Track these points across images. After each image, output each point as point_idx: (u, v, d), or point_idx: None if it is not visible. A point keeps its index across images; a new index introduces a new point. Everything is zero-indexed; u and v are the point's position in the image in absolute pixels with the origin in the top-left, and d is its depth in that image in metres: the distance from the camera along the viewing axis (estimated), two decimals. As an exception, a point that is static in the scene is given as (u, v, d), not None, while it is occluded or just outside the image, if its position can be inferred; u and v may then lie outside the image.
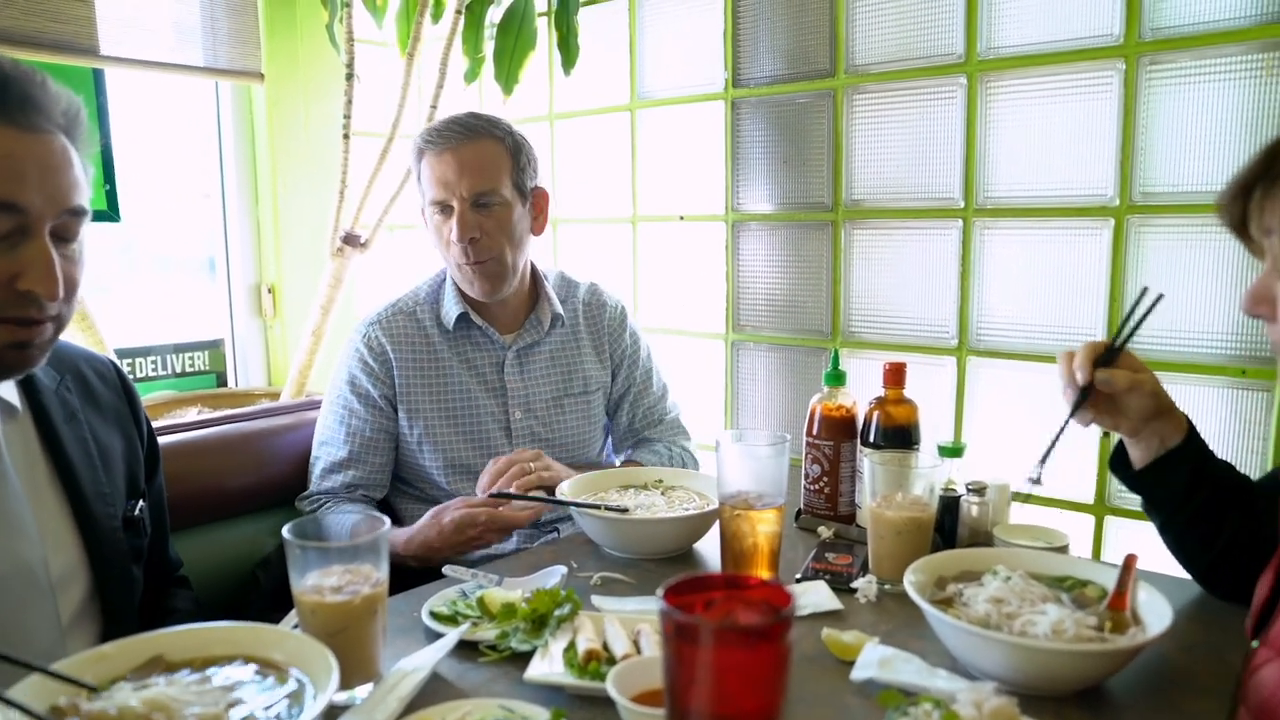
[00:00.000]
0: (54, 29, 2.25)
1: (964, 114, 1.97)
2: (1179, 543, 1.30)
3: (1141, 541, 1.34)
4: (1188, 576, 1.37)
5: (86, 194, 1.09)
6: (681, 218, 2.51)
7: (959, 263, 2.01)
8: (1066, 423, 1.23)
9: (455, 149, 1.71)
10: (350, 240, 2.57)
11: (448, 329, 1.82)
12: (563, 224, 2.77)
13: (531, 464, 1.57)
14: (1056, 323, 1.91)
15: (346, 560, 1.03)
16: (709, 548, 1.52)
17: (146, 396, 2.57)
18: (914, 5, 2.01)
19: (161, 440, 1.61)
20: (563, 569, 1.35)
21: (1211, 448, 1.26)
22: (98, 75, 2.43)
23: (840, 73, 2.14)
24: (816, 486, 1.59)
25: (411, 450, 1.80)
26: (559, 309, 1.87)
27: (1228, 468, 1.27)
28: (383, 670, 1.05)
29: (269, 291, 2.85)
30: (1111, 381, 1.20)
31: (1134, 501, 1.42)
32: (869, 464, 1.35)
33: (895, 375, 1.54)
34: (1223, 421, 1.74)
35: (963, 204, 2.00)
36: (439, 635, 1.14)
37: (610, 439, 2.01)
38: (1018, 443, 1.95)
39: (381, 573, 1.04)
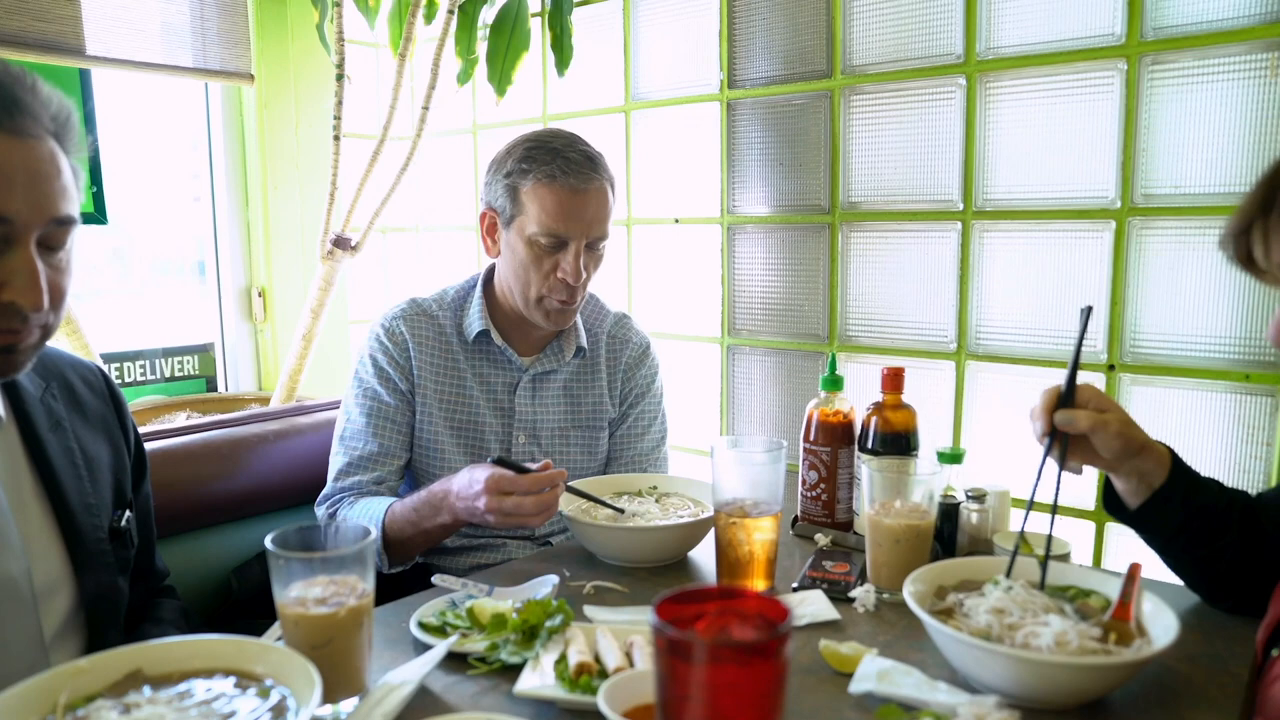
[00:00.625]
0: (39, 28, 2.22)
1: (963, 115, 1.95)
2: (1179, 567, 1.28)
3: (1144, 549, 1.31)
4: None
5: (76, 202, 1.07)
6: (676, 220, 2.49)
7: (958, 266, 1.99)
8: (1040, 470, 1.20)
9: (587, 189, 1.65)
10: (341, 243, 2.54)
11: (467, 340, 1.78)
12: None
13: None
14: (1057, 327, 1.88)
15: (331, 571, 1.00)
16: (704, 556, 1.49)
17: (135, 401, 2.54)
18: (912, 5, 1.99)
19: (150, 446, 1.59)
20: (555, 578, 1.32)
21: (1212, 456, 1.24)
22: (85, 76, 2.41)
23: (837, 73, 2.12)
24: (813, 493, 1.57)
25: (415, 451, 1.77)
26: (584, 341, 1.83)
27: (1219, 490, 1.24)
28: (369, 684, 1.03)
29: (259, 295, 2.83)
30: (1073, 421, 1.17)
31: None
32: (867, 470, 1.33)
33: (894, 380, 1.52)
34: (1226, 427, 1.71)
35: (962, 206, 1.98)
36: (428, 647, 1.12)
37: None
38: (1018, 449, 1.93)
39: (367, 584, 1.01)
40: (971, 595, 1.12)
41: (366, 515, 1.61)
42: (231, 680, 0.92)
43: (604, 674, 1.01)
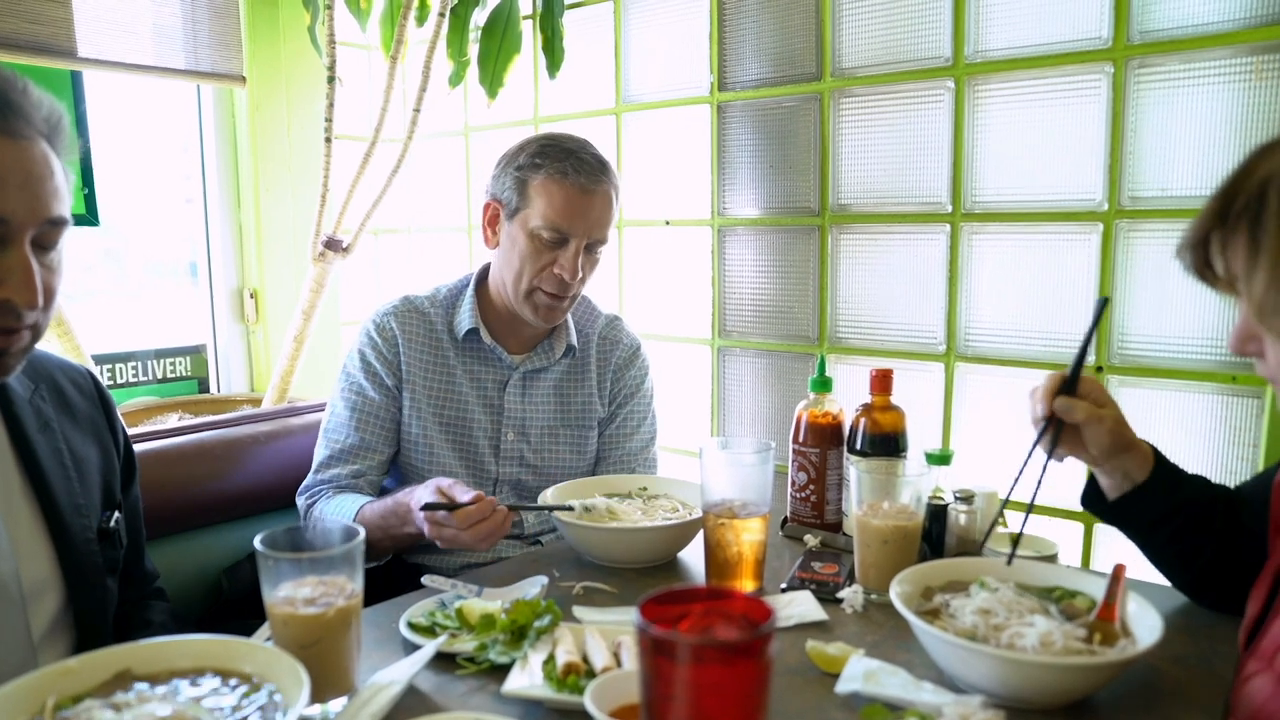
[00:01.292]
0: (31, 30, 2.22)
1: (951, 118, 1.96)
2: (1161, 563, 1.29)
3: (1130, 550, 1.32)
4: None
5: (68, 203, 1.08)
6: (667, 222, 2.49)
7: (947, 268, 2.00)
8: (1030, 453, 1.22)
9: (595, 191, 1.68)
10: (332, 245, 2.54)
11: (457, 338, 1.79)
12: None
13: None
14: (1045, 328, 1.89)
15: (320, 571, 1.00)
16: (693, 556, 1.50)
17: (127, 402, 2.54)
18: (901, 8, 2.00)
19: (142, 447, 1.59)
20: (543, 579, 1.33)
21: (1198, 457, 1.25)
22: (76, 78, 2.40)
23: (827, 76, 2.13)
24: (803, 494, 1.58)
25: (405, 447, 1.78)
26: (574, 340, 1.85)
27: (1201, 485, 1.26)
28: (358, 684, 1.03)
29: (251, 296, 2.83)
30: (1071, 410, 1.19)
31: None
32: (855, 472, 1.33)
33: (882, 382, 1.53)
34: (1212, 429, 1.72)
35: (950, 208, 1.98)
36: (417, 647, 1.12)
37: None
38: (1006, 450, 1.94)
39: (356, 584, 1.01)
40: (958, 596, 1.13)
41: (338, 514, 1.63)
42: (220, 680, 0.93)
43: (591, 674, 1.02)
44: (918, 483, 1.32)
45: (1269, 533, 1.03)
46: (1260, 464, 1.68)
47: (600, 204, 1.70)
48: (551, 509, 1.51)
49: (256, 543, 0.98)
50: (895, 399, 1.54)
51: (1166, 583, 1.31)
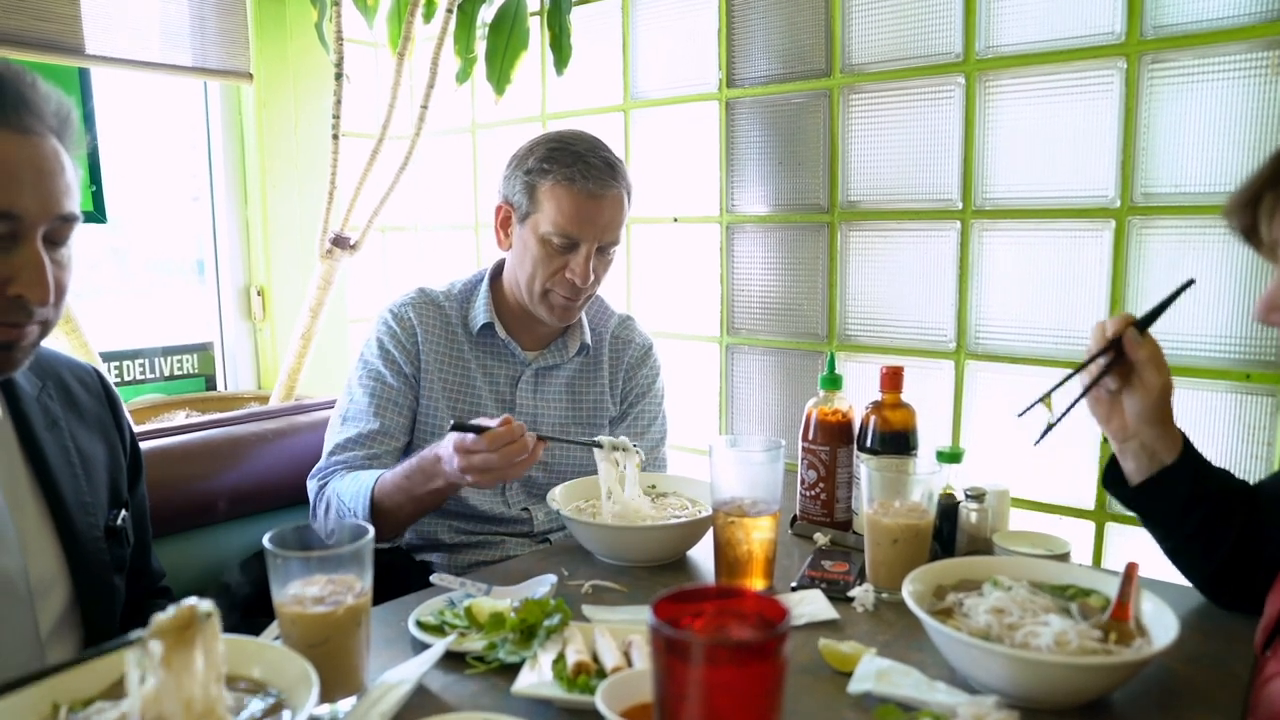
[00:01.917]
0: (39, 27, 2.22)
1: (962, 114, 1.95)
2: (1179, 556, 1.28)
3: (1143, 548, 1.31)
4: (1190, 584, 1.35)
5: (77, 199, 1.08)
6: (675, 219, 2.48)
7: (957, 265, 1.99)
8: (1081, 366, 1.22)
9: (604, 195, 1.67)
10: (339, 242, 2.54)
11: (471, 332, 1.79)
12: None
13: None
14: (1056, 326, 1.88)
15: (329, 570, 1.00)
16: (703, 555, 1.49)
17: (135, 400, 2.54)
18: (911, 3, 1.99)
19: (149, 444, 1.59)
20: (553, 578, 1.32)
21: (1212, 455, 1.24)
22: (84, 75, 2.41)
23: (836, 72, 2.12)
24: (812, 492, 1.57)
25: (418, 437, 1.77)
26: (588, 338, 1.84)
27: (1226, 477, 1.24)
28: (367, 683, 1.02)
29: (258, 294, 2.83)
30: (1139, 342, 1.19)
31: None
32: (866, 470, 1.33)
33: (893, 379, 1.52)
34: (1226, 427, 1.71)
35: (961, 205, 1.97)
36: (425, 646, 1.11)
37: None
38: (1017, 448, 1.93)
39: (365, 582, 1.01)
40: (971, 595, 1.12)
41: (355, 486, 1.60)
42: (229, 680, 0.92)
43: (602, 673, 1.01)
44: (929, 481, 1.31)
45: None
46: (1276, 463, 1.66)
47: (610, 208, 1.69)
48: (583, 442, 1.58)
49: (265, 541, 0.98)
50: (905, 397, 1.53)
51: (1179, 582, 1.30)
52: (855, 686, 1.02)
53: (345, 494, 1.60)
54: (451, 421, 1.72)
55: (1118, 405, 1.21)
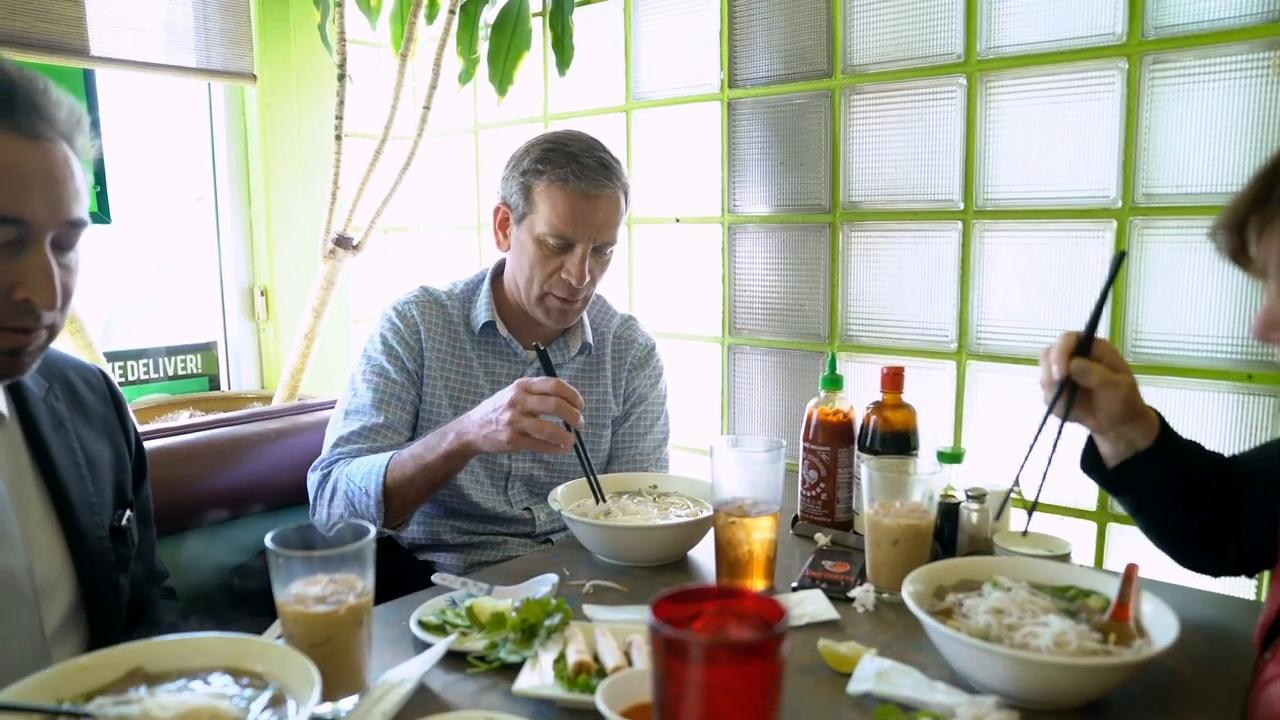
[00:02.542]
0: (43, 29, 2.23)
1: (964, 114, 1.95)
2: (1152, 529, 1.29)
3: (1144, 549, 1.31)
4: (1191, 584, 1.35)
5: (86, 204, 1.09)
6: (677, 220, 2.48)
7: (958, 265, 1.99)
8: (1045, 418, 1.20)
9: (598, 196, 1.67)
10: (343, 242, 2.54)
11: (474, 331, 1.79)
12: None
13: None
14: (1058, 326, 1.88)
15: (331, 569, 1.00)
16: (704, 555, 1.49)
17: (138, 400, 2.55)
18: (913, 4, 1.99)
19: (152, 444, 1.59)
20: (554, 577, 1.33)
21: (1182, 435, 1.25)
22: (88, 76, 2.41)
23: (838, 73, 2.12)
24: (813, 493, 1.57)
25: (420, 434, 1.77)
26: (589, 338, 1.85)
27: (1198, 453, 1.25)
28: (368, 682, 1.03)
29: (261, 294, 2.83)
30: (1087, 373, 1.17)
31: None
32: (867, 470, 1.33)
33: (894, 380, 1.52)
34: (1229, 428, 1.71)
35: (962, 206, 1.97)
36: (427, 645, 1.12)
37: None
38: (1018, 448, 1.92)
39: (367, 582, 1.01)
40: (971, 595, 1.12)
41: (368, 465, 1.60)
42: (231, 678, 0.93)
43: (603, 673, 1.01)
44: (930, 481, 1.32)
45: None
46: (1276, 463, 1.66)
47: (605, 208, 1.69)
48: (591, 475, 1.56)
49: (267, 541, 0.98)
50: (906, 397, 1.53)
51: (1179, 582, 1.30)
52: (855, 687, 1.02)
53: (356, 474, 1.60)
54: (453, 416, 1.73)
55: (1089, 408, 1.21)
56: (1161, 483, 1.22)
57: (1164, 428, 1.23)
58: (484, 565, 1.68)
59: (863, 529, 1.36)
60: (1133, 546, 1.81)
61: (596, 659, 1.05)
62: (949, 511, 1.43)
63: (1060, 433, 1.20)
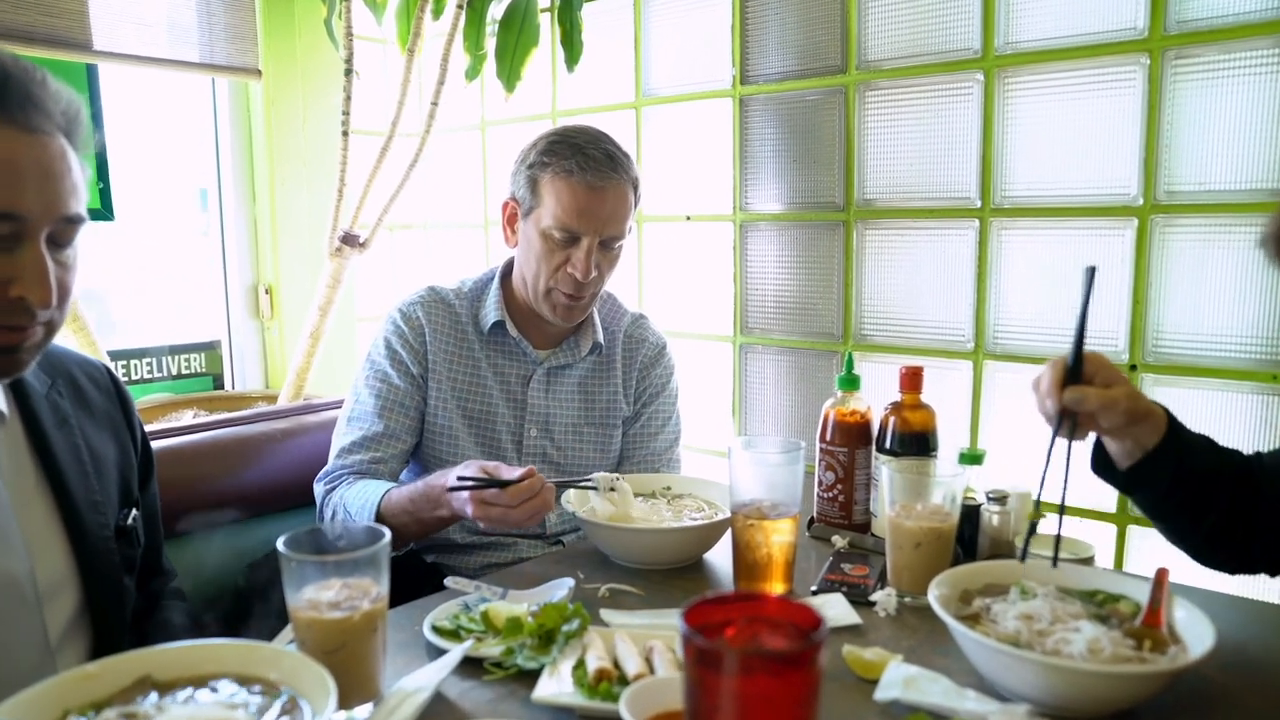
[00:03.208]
0: (46, 23, 2.21)
1: (981, 111, 1.92)
2: (1165, 525, 1.28)
3: (1167, 552, 1.29)
4: (1222, 590, 1.33)
5: (84, 200, 1.06)
6: (688, 218, 2.46)
7: (975, 264, 1.97)
8: (1050, 450, 1.17)
9: (604, 188, 1.65)
10: (349, 240, 2.52)
11: (482, 331, 1.77)
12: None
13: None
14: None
15: (345, 574, 0.98)
16: (720, 557, 1.47)
17: (142, 399, 2.52)
18: (929, -1, 1.97)
19: (157, 444, 1.56)
20: (570, 581, 1.30)
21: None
22: (91, 71, 2.39)
23: (852, 69, 2.10)
24: (830, 494, 1.54)
25: (428, 438, 1.75)
26: (600, 337, 1.82)
27: (1211, 449, 1.23)
28: (383, 690, 1.00)
29: (266, 292, 2.81)
30: (1083, 400, 1.15)
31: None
32: (887, 472, 1.30)
33: (912, 380, 1.50)
34: (1252, 429, 1.69)
35: (979, 204, 1.95)
36: (441, 651, 1.09)
37: None
38: (1036, 450, 1.90)
39: (382, 587, 0.99)
40: (998, 600, 1.10)
41: (362, 498, 1.58)
42: (244, 686, 0.90)
43: (624, 680, 0.99)
44: (951, 483, 1.29)
45: None
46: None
47: (612, 200, 1.66)
48: (580, 485, 1.52)
49: (279, 544, 0.96)
50: (923, 397, 1.50)
51: (1209, 587, 1.28)
52: (882, 694, 1.00)
53: (352, 505, 1.59)
54: (461, 419, 1.71)
55: (1094, 422, 1.19)
56: (1172, 483, 1.20)
57: (1171, 424, 1.20)
58: (494, 567, 1.65)
59: (880, 531, 1.34)
60: (1154, 549, 1.78)
61: (616, 665, 1.03)
62: (970, 514, 1.40)
63: (1070, 452, 1.17)
